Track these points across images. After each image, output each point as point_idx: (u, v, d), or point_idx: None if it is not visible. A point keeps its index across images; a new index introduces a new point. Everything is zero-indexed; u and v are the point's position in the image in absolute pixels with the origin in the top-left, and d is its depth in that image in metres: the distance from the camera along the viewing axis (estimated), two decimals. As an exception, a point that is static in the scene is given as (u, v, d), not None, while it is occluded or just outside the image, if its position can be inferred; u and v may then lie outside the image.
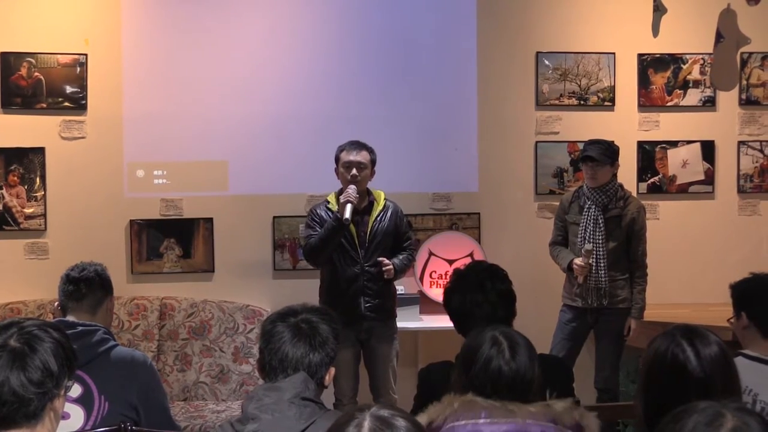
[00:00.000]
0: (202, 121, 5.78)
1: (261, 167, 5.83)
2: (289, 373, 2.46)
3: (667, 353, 2.25)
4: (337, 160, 4.84)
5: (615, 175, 5.10)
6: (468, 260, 5.79)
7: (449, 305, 3.12)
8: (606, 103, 6.05)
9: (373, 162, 4.83)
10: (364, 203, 4.83)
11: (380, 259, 4.76)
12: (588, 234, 5.01)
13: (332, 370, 2.55)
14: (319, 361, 2.50)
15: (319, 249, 4.74)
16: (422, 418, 2.29)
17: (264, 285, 5.81)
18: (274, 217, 5.81)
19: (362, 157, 4.77)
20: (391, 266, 4.77)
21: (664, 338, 2.29)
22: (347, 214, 4.57)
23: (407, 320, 5.39)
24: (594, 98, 6.03)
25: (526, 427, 2.21)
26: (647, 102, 6.08)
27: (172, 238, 5.75)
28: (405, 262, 4.91)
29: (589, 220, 5.02)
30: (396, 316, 4.97)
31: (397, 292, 5.05)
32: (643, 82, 6.07)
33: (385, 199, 4.90)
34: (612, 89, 6.04)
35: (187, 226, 5.77)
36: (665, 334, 2.30)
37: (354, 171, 4.72)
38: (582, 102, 6.03)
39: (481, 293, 3.03)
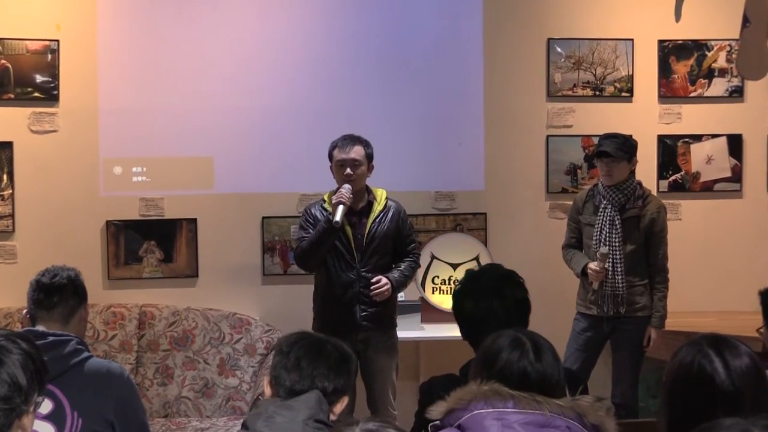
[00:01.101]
0: (186, 113, 5.78)
1: (249, 164, 5.82)
2: (303, 389, 2.47)
3: (693, 364, 2.23)
4: (330, 157, 4.82)
5: (633, 172, 5.09)
6: (473, 264, 5.78)
7: (460, 310, 3.09)
8: (623, 94, 6.05)
9: (369, 157, 4.81)
10: (363, 203, 4.81)
11: (374, 279, 4.71)
12: (604, 236, 5.01)
13: (345, 399, 2.56)
14: (336, 387, 2.52)
15: (309, 253, 4.74)
16: (440, 406, 2.29)
17: (252, 291, 5.81)
18: (264, 218, 5.81)
19: (356, 153, 4.75)
20: (384, 287, 4.71)
21: (690, 348, 2.27)
22: (338, 216, 4.56)
23: (408, 329, 5.38)
24: (610, 88, 6.04)
25: (552, 421, 2.21)
26: (668, 92, 6.08)
27: (152, 241, 5.74)
28: (407, 273, 4.86)
29: (605, 221, 5.02)
30: (395, 326, 4.95)
31: (397, 300, 5.02)
32: (664, 70, 6.07)
33: (386, 198, 4.88)
34: (630, 79, 6.04)
35: (169, 227, 5.76)
36: (691, 344, 2.29)
37: (348, 170, 4.71)
38: (597, 93, 6.03)
39: (497, 300, 3.00)
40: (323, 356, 2.55)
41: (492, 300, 3.00)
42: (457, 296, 3.12)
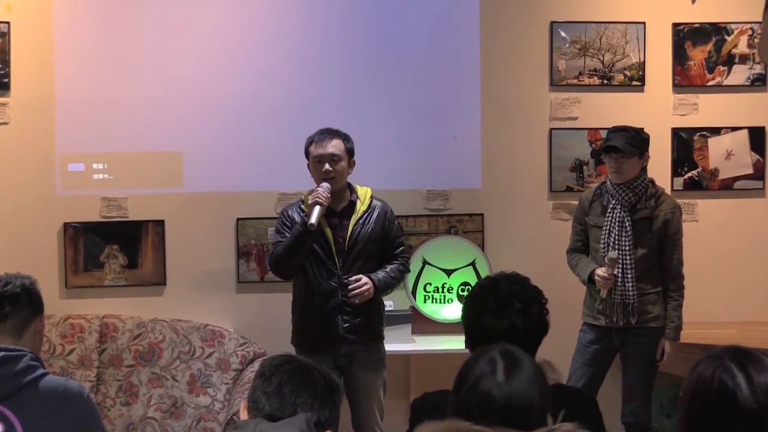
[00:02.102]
0: (152, 104, 5.77)
1: (222, 159, 5.82)
2: (282, 417, 2.46)
3: (713, 380, 2.23)
4: (306, 154, 4.82)
5: (644, 169, 5.10)
6: (469, 270, 5.79)
7: (475, 323, 3.04)
8: (634, 83, 6.06)
9: (349, 151, 4.80)
10: (344, 203, 4.81)
11: (354, 278, 4.70)
12: (612, 239, 5.01)
13: None
14: (320, 419, 2.51)
15: (285, 259, 4.74)
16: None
17: (226, 300, 5.81)
18: (238, 219, 5.81)
19: (334, 147, 4.74)
20: (365, 286, 4.69)
21: (710, 362, 2.27)
22: (313, 218, 4.56)
23: (397, 342, 5.39)
24: (620, 77, 6.05)
25: None
26: (684, 81, 6.09)
27: (114, 245, 5.74)
28: (393, 275, 4.84)
29: (614, 223, 5.02)
30: (383, 338, 4.94)
31: (385, 309, 5.01)
32: (679, 57, 6.08)
33: (371, 197, 4.87)
34: (641, 66, 6.05)
35: (134, 230, 5.76)
36: (711, 358, 2.28)
37: (326, 166, 4.70)
38: (605, 81, 6.05)
39: (521, 319, 2.96)
40: (308, 384, 2.54)
41: (515, 318, 2.95)
42: (473, 305, 3.07)
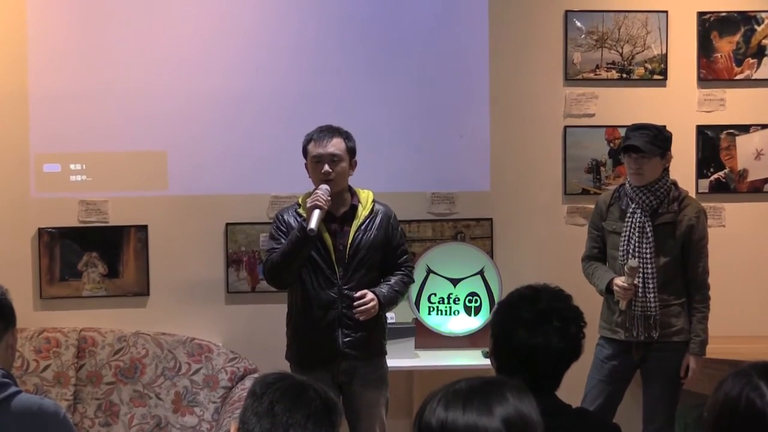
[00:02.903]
0: (134, 99, 5.79)
1: (210, 160, 5.84)
2: None
3: (740, 399, 2.24)
4: (305, 152, 4.82)
5: (667, 170, 5.09)
6: (476, 280, 5.79)
7: (506, 338, 2.96)
8: (656, 77, 6.08)
9: (350, 151, 4.80)
10: (344, 208, 4.81)
11: (357, 294, 4.70)
12: (632, 246, 5.00)
13: None
14: None
15: (281, 267, 4.73)
16: None
17: (214, 312, 5.83)
18: (228, 225, 5.83)
19: (335, 146, 4.74)
20: (370, 303, 4.69)
21: (737, 380, 2.28)
22: (313, 223, 4.54)
23: (399, 357, 5.40)
24: (640, 70, 6.07)
25: None
26: (710, 75, 6.11)
27: (93, 252, 5.76)
28: (397, 289, 4.84)
29: (634, 229, 5.01)
30: (385, 353, 4.95)
31: (387, 322, 5.02)
32: (705, 48, 6.10)
33: (373, 201, 4.87)
34: (663, 58, 6.07)
35: (114, 235, 5.78)
36: (738, 375, 2.29)
37: (326, 167, 4.70)
38: (624, 75, 6.06)
39: (558, 338, 2.90)
40: (302, 403, 2.53)
41: (553, 335, 2.90)
42: (506, 314, 3.01)
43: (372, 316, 4.70)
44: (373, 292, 4.72)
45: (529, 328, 2.90)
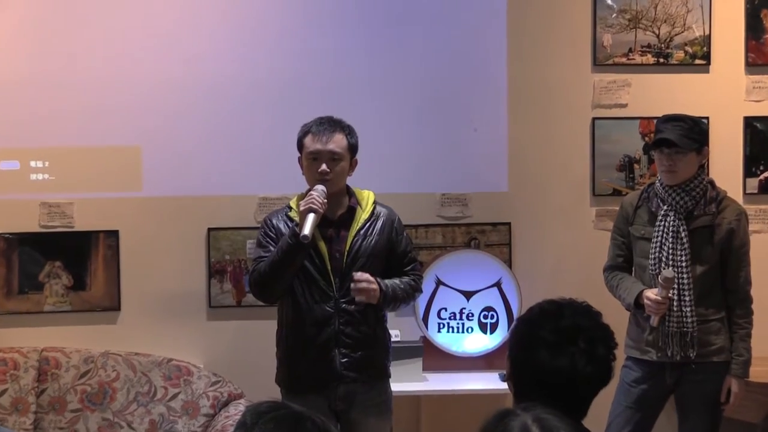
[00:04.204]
0: (104, 87, 5.80)
1: (190, 156, 5.86)
2: None
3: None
4: (300, 146, 4.77)
5: (703, 167, 5.07)
6: (493, 292, 5.86)
7: (524, 359, 2.92)
8: (698, 61, 6.10)
9: (352, 148, 4.76)
10: (342, 210, 4.78)
11: (357, 274, 4.65)
12: (665, 254, 4.95)
13: None
14: None
15: (270, 278, 4.69)
16: None
17: (195, 329, 5.85)
18: (210, 230, 5.85)
19: (336, 144, 4.70)
20: (370, 285, 4.64)
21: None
22: (307, 229, 4.49)
23: (405, 380, 5.41)
24: (680, 54, 6.09)
25: None
26: (759, 59, 6.13)
27: (57, 261, 5.78)
28: (402, 287, 4.79)
29: (667, 234, 4.95)
30: (389, 376, 4.92)
31: (391, 340, 5.01)
32: (754, 29, 6.12)
33: (374, 203, 4.84)
34: (706, 41, 6.10)
35: (81, 242, 5.79)
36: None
37: (323, 166, 4.66)
38: (662, 60, 6.09)
39: (584, 361, 2.86)
40: None
41: (579, 358, 2.85)
42: (525, 332, 2.97)
43: (370, 301, 4.66)
44: (375, 280, 4.68)
45: (552, 349, 2.85)
